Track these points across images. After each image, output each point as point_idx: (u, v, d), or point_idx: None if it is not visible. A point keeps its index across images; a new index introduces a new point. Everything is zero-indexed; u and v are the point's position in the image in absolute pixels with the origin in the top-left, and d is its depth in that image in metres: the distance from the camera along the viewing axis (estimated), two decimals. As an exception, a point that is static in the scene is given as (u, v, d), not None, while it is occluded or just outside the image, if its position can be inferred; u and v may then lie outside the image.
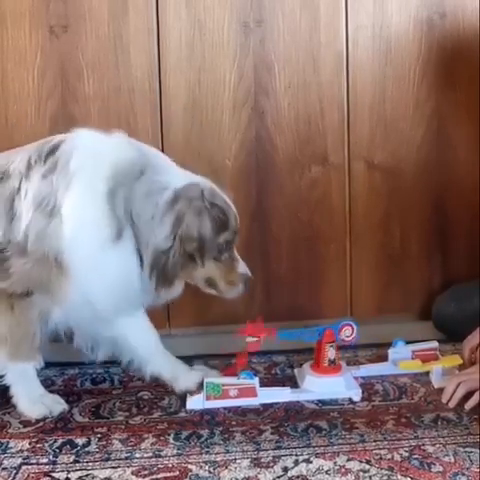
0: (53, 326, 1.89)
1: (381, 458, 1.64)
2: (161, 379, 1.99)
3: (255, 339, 1.95)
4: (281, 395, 1.94)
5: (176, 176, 1.85)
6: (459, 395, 1.83)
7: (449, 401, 1.85)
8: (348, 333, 1.97)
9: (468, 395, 1.83)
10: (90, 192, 1.78)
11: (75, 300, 1.82)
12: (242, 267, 1.91)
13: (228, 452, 1.70)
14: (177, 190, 1.81)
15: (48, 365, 2.07)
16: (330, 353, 1.95)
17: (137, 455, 1.70)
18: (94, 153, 1.82)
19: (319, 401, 1.91)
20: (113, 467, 1.65)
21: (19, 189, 1.80)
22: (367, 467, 1.61)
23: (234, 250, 1.91)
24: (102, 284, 1.82)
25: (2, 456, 1.70)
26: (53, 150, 1.81)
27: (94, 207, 1.78)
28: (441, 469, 1.59)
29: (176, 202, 1.79)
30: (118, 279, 1.82)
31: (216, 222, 1.82)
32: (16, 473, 1.64)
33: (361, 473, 1.59)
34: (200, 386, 1.93)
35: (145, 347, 1.99)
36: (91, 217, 1.78)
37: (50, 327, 1.88)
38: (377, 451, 1.67)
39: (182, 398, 1.94)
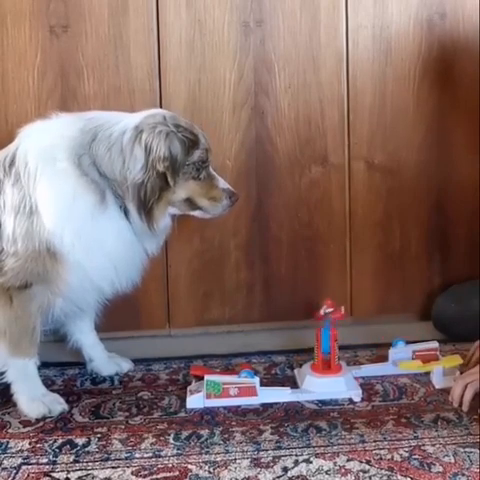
0: (56, 316, 1.92)
1: (381, 458, 1.64)
2: (81, 353, 2.12)
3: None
4: (281, 395, 1.94)
5: (131, 118, 1.89)
6: (469, 397, 1.82)
7: (460, 405, 1.84)
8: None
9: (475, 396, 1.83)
10: (57, 177, 1.83)
11: (76, 286, 1.86)
12: (223, 183, 1.95)
13: (228, 452, 1.70)
14: (136, 126, 1.85)
15: (48, 365, 2.08)
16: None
17: (137, 455, 1.70)
18: (45, 143, 1.87)
19: (319, 401, 1.91)
20: (113, 467, 1.65)
21: None
22: (367, 467, 1.61)
23: (211, 168, 1.94)
24: (102, 255, 1.86)
25: (2, 456, 1.71)
26: (12, 161, 1.87)
27: (67, 186, 1.83)
28: (441, 469, 1.59)
29: (140, 134, 1.83)
30: (114, 243, 1.87)
31: (185, 142, 1.86)
32: (16, 473, 1.64)
33: (361, 473, 1.59)
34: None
35: (84, 320, 2.09)
36: (72, 195, 1.82)
37: (52, 318, 1.92)
38: (377, 451, 1.67)
39: (182, 398, 1.94)
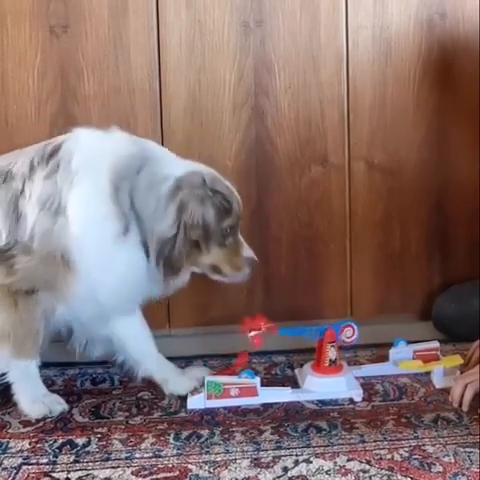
0: (55, 323, 1.90)
1: (381, 458, 1.64)
2: (152, 380, 2.01)
3: (256, 332, 1.96)
4: (282, 395, 1.94)
5: (176, 166, 1.87)
6: (469, 398, 1.82)
7: (460, 405, 1.83)
8: (349, 334, 1.98)
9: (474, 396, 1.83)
10: (94, 190, 1.81)
11: (80, 297, 1.84)
12: (246, 251, 1.93)
13: (228, 452, 1.70)
14: (178, 179, 1.83)
15: (48, 365, 2.08)
16: (331, 353, 1.96)
17: (137, 455, 1.70)
18: (95, 152, 1.85)
19: (319, 401, 1.91)
20: (113, 467, 1.65)
21: (23, 190, 1.83)
22: (367, 467, 1.61)
23: (238, 234, 1.93)
24: (110, 280, 1.84)
25: (2, 456, 1.71)
26: (54, 152, 1.84)
27: (100, 204, 1.80)
28: (441, 469, 1.59)
29: (178, 190, 1.82)
30: (126, 274, 1.85)
31: (219, 209, 1.85)
32: (16, 473, 1.64)
33: (361, 473, 1.59)
34: (193, 390, 1.95)
35: (139, 348, 2.00)
36: (98, 214, 1.80)
37: (52, 325, 1.90)
38: (377, 451, 1.67)
39: (182, 398, 1.94)
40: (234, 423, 1.83)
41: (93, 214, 1.80)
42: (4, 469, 1.65)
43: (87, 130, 1.90)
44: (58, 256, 1.80)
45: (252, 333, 1.96)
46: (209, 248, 1.86)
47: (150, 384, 2.05)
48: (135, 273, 1.85)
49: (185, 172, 1.85)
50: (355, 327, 1.98)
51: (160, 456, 1.69)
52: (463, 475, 1.56)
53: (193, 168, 1.89)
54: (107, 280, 1.83)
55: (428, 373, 2.02)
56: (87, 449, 1.73)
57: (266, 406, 1.90)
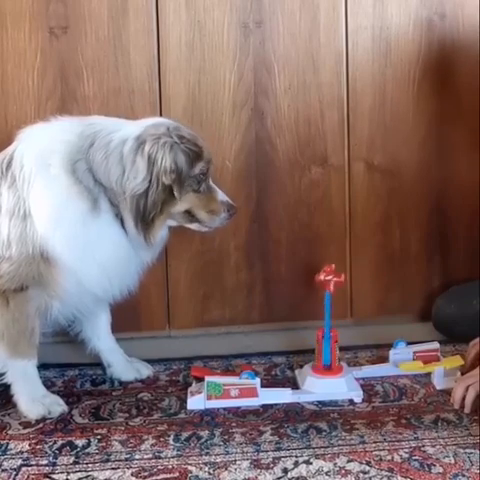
0: (55, 321, 1.92)
1: (381, 459, 1.64)
2: (99, 359, 2.10)
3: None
4: (282, 396, 1.93)
5: (133, 128, 1.87)
6: (471, 399, 1.81)
7: (461, 407, 1.83)
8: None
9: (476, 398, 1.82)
10: (50, 182, 1.82)
11: (71, 290, 1.85)
12: (222, 195, 1.94)
13: (228, 453, 1.70)
14: (138, 136, 1.83)
15: (48, 366, 2.09)
16: None
17: (137, 456, 1.70)
18: (41, 147, 1.86)
19: (319, 402, 1.91)
20: (113, 468, 1.65)
21: None
22: (367, 468, 1.61)
23: (210, 180, 1.93)
24: (94, 262, 1.84)
25: (2, 457, 1.70)
26: (9, 163, 1.87)
27: (59, 192, 1.82)
28: (441, 470, 1.59)
29: (143, 145, 1.81)
30: (108, 250, 1.86)
31: (189, 154, 1.85)
32: (16, 474, 1.64)
33: (361, 474, 1.59)
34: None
35: (94, 325, 2.09)
36: (59, 201, 1.82)
37: (52, 323, 1.92)
38: (377, 452, 1.67)
39: (182, 399, 1.94)
40: (234, 424, 1.83)
41: (55, 204, 1.82)
42: (4, 470, 1.65)
43: (30, 129, 1.91)
44: (37, 256, 1.81)
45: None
46: (183, 194, 1.85)
47: (150, 385, 2.05)
48: (115, 247, 1.86)
49: (144, 127, 1.85)
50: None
51: (160, 457, 1.69)
52: (463, 476, 1.56)
53: (152, 122, 1.89)
54: (91, 263, 1.84)
55: (428, 374, 2.02)
56: (87, 450, 1.73)
57: (266, 407, 1.90)
